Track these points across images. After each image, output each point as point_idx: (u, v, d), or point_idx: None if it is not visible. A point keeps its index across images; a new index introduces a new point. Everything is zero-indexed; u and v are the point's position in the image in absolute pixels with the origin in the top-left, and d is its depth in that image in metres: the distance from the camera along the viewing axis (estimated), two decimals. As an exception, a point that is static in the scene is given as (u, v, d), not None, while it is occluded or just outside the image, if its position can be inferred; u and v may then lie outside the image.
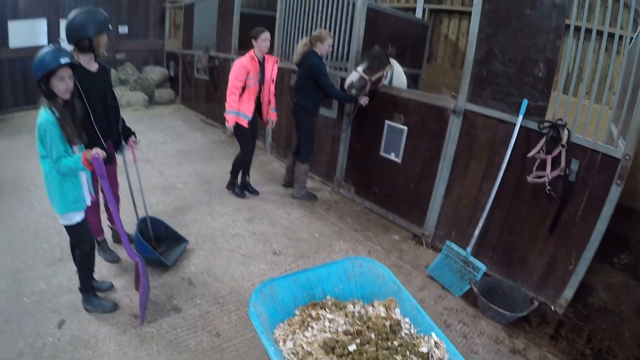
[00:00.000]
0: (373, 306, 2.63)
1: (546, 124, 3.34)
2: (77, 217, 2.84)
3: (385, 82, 4.96)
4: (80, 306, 3.13)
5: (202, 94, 9.93)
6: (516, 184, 3.68)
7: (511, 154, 3.61)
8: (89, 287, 3.13)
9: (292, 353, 2.21)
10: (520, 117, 3.53)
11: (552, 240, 3.51)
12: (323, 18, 5.72)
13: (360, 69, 4.71)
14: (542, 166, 3.37)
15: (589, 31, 3.27)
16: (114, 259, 3.85)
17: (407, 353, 2.18)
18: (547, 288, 3.60)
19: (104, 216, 3.93)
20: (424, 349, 2.18)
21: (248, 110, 4.97)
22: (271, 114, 5.31)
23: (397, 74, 5.09)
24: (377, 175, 5.21)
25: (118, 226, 2.92)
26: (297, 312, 2.56)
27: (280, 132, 6.98)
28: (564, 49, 3.55)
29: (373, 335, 2.33)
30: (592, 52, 3.63)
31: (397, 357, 2.15)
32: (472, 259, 3.78)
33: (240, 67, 4.82)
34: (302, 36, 6.09)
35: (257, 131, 5.44)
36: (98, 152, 2.57)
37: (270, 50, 5.64)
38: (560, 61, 3.77)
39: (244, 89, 4.90)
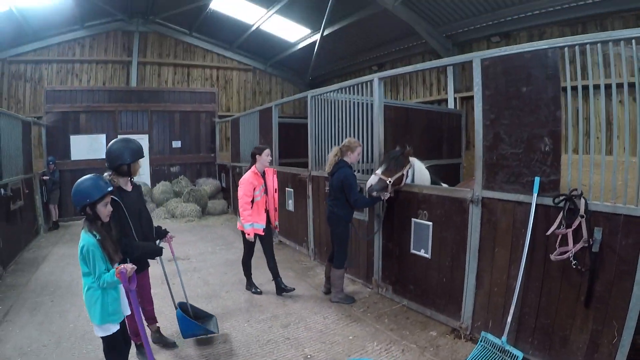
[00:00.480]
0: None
1: (561, 197, 3.34)
2: (114, 328, 3.08)
3: (408, 180, 5.12)
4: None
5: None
6: (544, 264, 3.59)
7: (534, 234, 3.56)
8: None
9: None
10: (535, 195, 3.55)
11: (590, 315, 3.32)
12: (348, 123, 6.21)
13: (379, 171, 4.98)
14: (565, 241, 3.30)
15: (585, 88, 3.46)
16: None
17: None
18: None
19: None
20: None
21: (261, 220, 5.58)
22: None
23: (418, 171, 5.24)
24: (410, 272, 5.16)
25: (142, 334, 3.17)
26: None
27: (322, 238, 7.18)
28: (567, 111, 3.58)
29: None
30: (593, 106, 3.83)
31: None
32: (508, 347, 3.64)
33: (248, 184, 5.46)
34: (332, 143, 6.53)
35: (271, 234, 5.95)
36: (126, 267, 2.89)
37: (305, 158, 6.01)
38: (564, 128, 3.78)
39: (252, 202, 5.46)
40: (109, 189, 3.00)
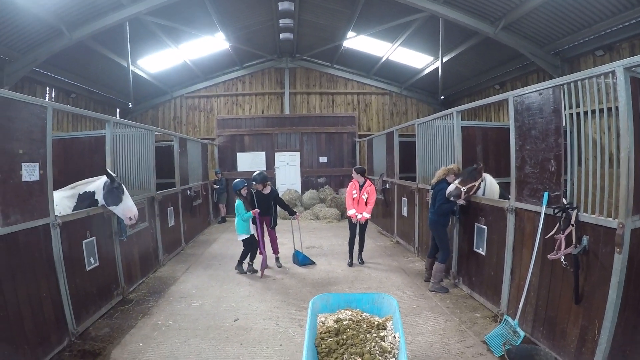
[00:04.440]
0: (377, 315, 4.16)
1: (558, 209, 4.18)
2: (245, 236, 7.71)
3: (479, 192, 6.29)
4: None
5: (380, 210, 12.14)
6: (552, 265, 4.36)
7: (545, 238, 4.42)
8: (240, 263, 7.90)
9: (320, 322, 4.02)
10: (544, 207, 4.48)
11: (580, 312, 3.94)
12: (440, 144, 7.66)
13: (457, 181, 6.29)
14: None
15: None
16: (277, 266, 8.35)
17: (374, 335, 3.71)
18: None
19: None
20: (383, 334, 3.73)
21: (357, 210, 8.27)
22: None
23: (488, 185, 6.35)
24: (473, 267, 6.31)
25: (260, 247, 7.78)
26: (336, 311, 4.25)
27: (423, 238, 8.58)
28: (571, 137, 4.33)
29: (365, 325, 3.88)
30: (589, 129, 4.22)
31: (367, 335, 3.72)
32: (517, 327, 4.53)
33: (350, 187, 8.46)
34: (431, 161, 8.06)
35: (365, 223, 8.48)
36: (255, 211, 7.57)
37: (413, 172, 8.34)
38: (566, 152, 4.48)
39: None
40: (245, 184, 7.65)
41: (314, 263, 8.44)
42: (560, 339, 4.23)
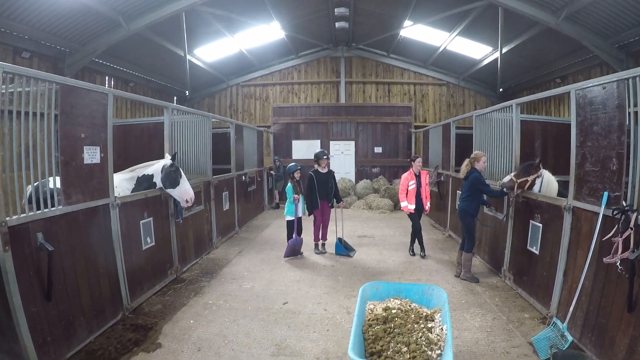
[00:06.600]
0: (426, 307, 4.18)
1: (617, 210, 3.94)
2: (289, 218, 8.17)
3: (536, 188, 6.10)
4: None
5: (433, 203, 11.87)
6: (606, 269, 4.13)
7: (602, 240, 4.17)
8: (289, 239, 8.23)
9: (369, 309, 4.09)
10: (602, 207, 4.24)
11: (632, 321, 3.69)
12: (498, 137, 7.46)
13: (512, 174, 6.22)
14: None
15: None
16: (320, 252, 8.55)
17: (421, 326, 3.74)
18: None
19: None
20: (430, 325, 3.73)
21: (411, 202, 8.21)
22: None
23: (546, 182, 6.14)
24: (525, 265, 6.10)
25: (295, 229, 8.15)
26: (385, 300, 4.31)
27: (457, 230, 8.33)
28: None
29: (413, 315, 3.93)
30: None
31: (415, 325, 3.76)
32: (565, 332, 4.35)
33: (404, 179, 8.30)
34: (490, 153, 7.76)
35: (421, 214, 8.48)
36: (296, 197, 7.82)
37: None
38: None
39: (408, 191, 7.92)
40: (298, 167, 8.07)
41: (349, 256, 8.36)
42: (609, 347, 4.02)
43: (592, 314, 4.34)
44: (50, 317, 3.99)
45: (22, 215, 3.76)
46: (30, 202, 3.91)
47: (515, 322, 5.26)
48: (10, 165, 3.74)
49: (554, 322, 4.64)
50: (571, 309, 4.50)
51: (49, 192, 4.07)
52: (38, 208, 3.95)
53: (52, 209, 4.11)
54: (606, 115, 4.32)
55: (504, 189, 6.22)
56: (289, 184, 8.16)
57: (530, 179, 6.02)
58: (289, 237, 8.25)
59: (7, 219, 3.55)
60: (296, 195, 8.06)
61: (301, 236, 8.42)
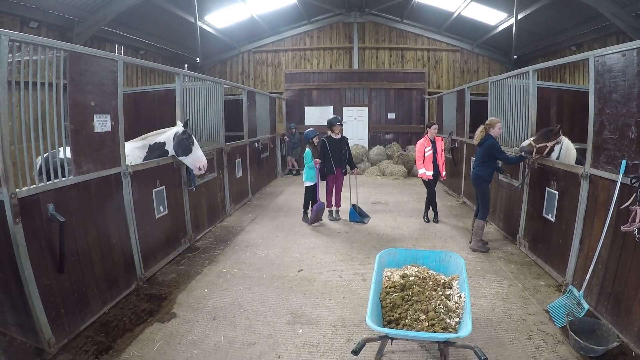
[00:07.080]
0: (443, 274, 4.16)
1: (635, 178, 3.86)
2: (309, 183, 8.24)
3: (554, 155, 5.97)
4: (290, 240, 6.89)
5: (447, 170, 11.75)
6: (623, 238, 4.05)
7: (620, 209, 4.10)
8: (305, 212, 8.45)
9: (386, 277, 4.09)
10: (621, 175, 4.14)
11: None
12: (514, 104, 7.28)
13: (531, 138, 6.09)
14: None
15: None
16: (334, 219, 8.62)
17: (439, 293, 3.74)
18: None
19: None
20: (448, 292, 3.73)
21: (429, 169, 8.27)
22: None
23: (565, 149, 5.99)
24: (541, 233, 6.04)
25: (317, 196, 8.22)
26: (402, 267, 4.30)
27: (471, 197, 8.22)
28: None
29: (431, 282, 3.92)
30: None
31: (432, 292, 3.76)
32: (581, 299, 4.34)
33: (420, 145, 8.32)
34: (505, 120, 7.59)
35: (437, 181, 8.59)
36: (316, 161, 7.82)
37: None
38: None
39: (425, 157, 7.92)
40: (316, 133, 8.25)
41: (363, 222, 8.36)
42: (625, 316, 4.00)
43: (608, 282, 4.30)
44: (63, 289, 4.02)
45: (32, 186, 3.72)
46: (40, 173, 3.89)
47: (530, 289, 5.25)
48: (19, 137, 3.71)
49: (569, 290, 4.63)
50: (587, 277, 4.46)
51: (59, 163, 4.04)
52: (48, 179, 3.92)
53: (63, 179, 4.07)
54: (625, 83, 4.17)
55: (523, 153, 6.10)
56: (307, 149, 8.21)
57: (549, 144, 5.89)
58: (308, 203, 8.29)
59: (17, 190, 3.52)
60: (317, 160, 8.09)
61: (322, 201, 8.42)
